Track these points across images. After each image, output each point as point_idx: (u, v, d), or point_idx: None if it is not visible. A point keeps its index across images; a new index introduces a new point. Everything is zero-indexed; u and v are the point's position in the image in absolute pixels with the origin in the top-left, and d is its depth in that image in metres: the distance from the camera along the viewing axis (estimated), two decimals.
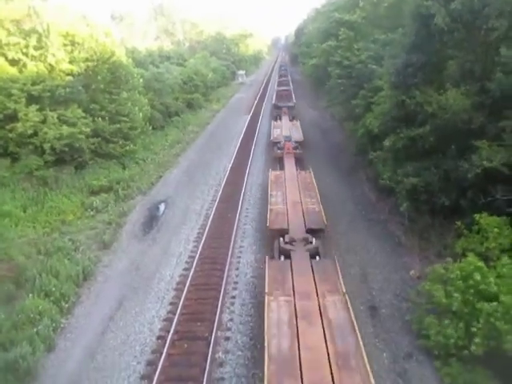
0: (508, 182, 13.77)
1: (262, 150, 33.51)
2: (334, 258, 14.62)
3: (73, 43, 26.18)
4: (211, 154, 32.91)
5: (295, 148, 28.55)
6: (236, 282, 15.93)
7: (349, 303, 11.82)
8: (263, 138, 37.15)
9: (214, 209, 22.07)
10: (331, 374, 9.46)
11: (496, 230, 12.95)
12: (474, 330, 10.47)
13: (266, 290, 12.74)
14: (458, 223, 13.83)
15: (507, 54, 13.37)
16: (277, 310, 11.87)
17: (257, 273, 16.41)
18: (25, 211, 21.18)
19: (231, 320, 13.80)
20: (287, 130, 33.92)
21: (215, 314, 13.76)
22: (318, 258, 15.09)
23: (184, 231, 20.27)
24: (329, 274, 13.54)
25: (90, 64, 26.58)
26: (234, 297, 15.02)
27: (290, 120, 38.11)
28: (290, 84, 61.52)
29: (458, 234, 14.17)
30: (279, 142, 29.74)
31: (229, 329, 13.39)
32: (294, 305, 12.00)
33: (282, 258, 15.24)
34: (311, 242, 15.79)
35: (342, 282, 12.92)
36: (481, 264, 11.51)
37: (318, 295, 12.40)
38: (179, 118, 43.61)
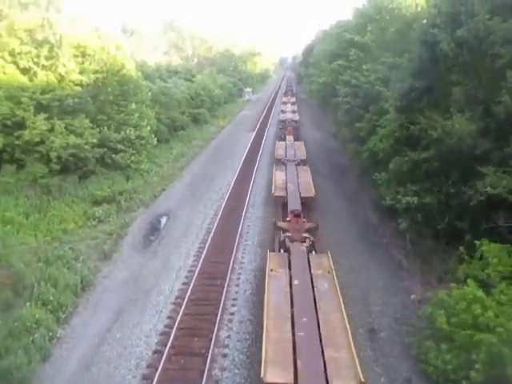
0: (510, 210, 13.79)
1: (266, 166, 33.66)
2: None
3: (84, 54, 26.56)
4: (215, 168, 33.05)
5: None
6: (235, 299, 15.83)
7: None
8: (267, 155, 37.36)
9: (216, 224, 22.07)
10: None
11: (495, 257, 12.89)
12: (473, 357, 10.34)
13: None
14: (461, 249, 13.76)
15: None
16: None
17: (256, 290, 16.33)
18: (27, 218, 21.18)
19: (229, 337, 13.68)
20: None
21: (213, 330, 13.66)
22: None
23: (185, 245, 20.23)
24: None
25: (99, 76, 26.91)
26: (232, 313, 14.91)
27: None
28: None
29: (460, 260, 14.10)
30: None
31: (226, 346, 13.28)
32: None
33: None
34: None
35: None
36: (481, 295, 11.44)
37: None
38: (185, 132, 43.94)
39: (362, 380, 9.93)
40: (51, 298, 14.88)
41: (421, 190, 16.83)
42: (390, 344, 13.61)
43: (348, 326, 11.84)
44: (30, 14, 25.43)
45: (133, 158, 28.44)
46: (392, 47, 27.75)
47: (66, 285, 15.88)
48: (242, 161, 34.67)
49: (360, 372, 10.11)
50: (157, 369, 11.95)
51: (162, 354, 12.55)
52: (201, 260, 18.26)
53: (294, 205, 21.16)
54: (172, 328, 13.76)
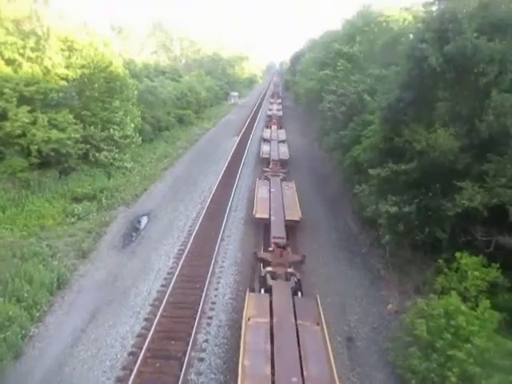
0: (487, 224, 14.06)
1: (250, 172, 33.64)
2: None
3: (71, 49, 26.22)
4: (198, 170, 32.83)
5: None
6: (214, 303, 15.73)
7: None
8: (252, 159, 37.34)
9: (197, 226, 21.91)
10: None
11: (476, 271, 13.11)
12: (449, 373, 10.49)
13: None
14: (440, 261, 13.95)
15: (497, 99, 13.80)
16: None
17: (235, 294, 16.27)
18: (4, 212, 20.73)
19: (206, 341, 13.57)
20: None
21: (190, 333, 13.53)
22: None
23: (165, 247, 20.03)
24: None
25: (86, 71, 26.57)
26: (210, 317, 14.80)
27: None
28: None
29: (438, 271, 14.31)
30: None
31: (203, 350, 13.16)
32: None
33: None
34: None
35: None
36: (464, 308, 11.60)
37: None
38: (169, 132, 43.65)
39: (301, 216, 22.08)
40: (26, 294, 14.55)
41: (401, 201, 16.98)
42: (367, 353, 13.70)
43: (298, 205, 23.31)
44: (17, 5, 24.95)
45: (116, 155, 28.09)
46: (379, 59, 28.15)
47: (41, 282, 15.53)
48: (225, 165, 34.41)
49: (300, 215, 22.16)
50: (132, 371, 11.76)
51: (138, 357, 12.37)
52: (180, 262, 18.10)
53: (275, 158, 34.26)
54: (149, 330, 13.58)
